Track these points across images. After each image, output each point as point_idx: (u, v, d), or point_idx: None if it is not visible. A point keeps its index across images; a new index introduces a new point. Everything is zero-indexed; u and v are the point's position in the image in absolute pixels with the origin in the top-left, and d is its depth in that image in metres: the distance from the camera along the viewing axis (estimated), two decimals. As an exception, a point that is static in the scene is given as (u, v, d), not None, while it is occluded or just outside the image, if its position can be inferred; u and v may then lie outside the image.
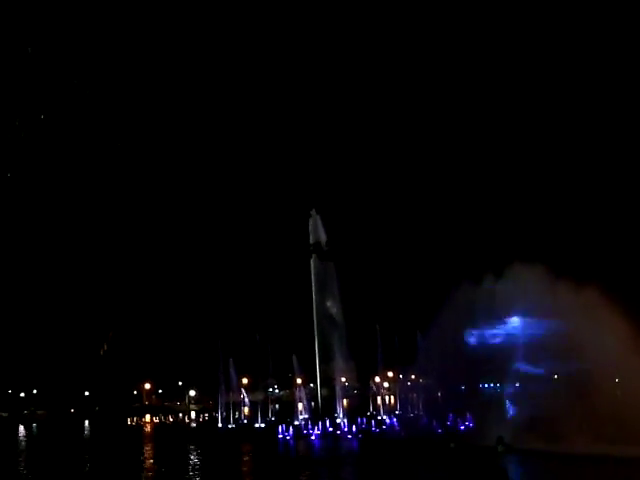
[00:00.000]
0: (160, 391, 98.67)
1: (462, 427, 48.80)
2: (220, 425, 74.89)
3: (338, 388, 68.47)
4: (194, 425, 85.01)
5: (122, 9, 9.15)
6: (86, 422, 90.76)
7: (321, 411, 55.74)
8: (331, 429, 53.85)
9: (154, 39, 9.61)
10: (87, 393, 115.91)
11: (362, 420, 54.84)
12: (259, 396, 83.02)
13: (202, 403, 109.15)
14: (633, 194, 59.61)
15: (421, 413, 59.69)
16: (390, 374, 78.96)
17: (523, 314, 43.51)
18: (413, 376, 66.28)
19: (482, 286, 42.97)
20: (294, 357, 73.71)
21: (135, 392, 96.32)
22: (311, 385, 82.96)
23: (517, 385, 48.68)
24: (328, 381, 70.52)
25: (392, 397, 62.51)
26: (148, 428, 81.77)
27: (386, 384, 77.62)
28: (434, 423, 49.58)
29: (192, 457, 40.89)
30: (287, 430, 51.30)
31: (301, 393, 79.00)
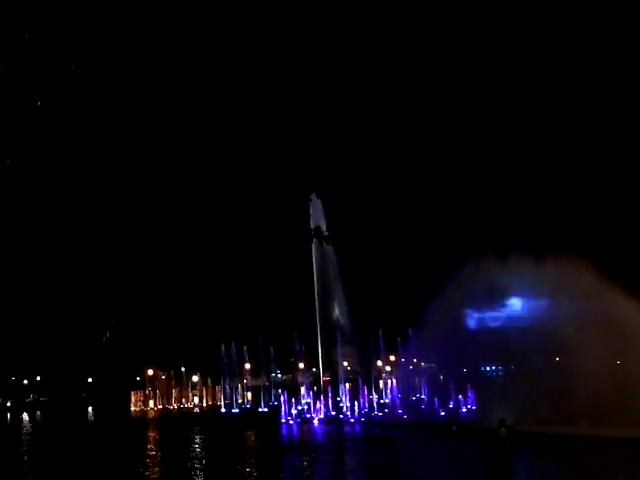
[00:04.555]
0: (163, 377, 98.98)
1: (464, 410, 48.93)
2: (223, 410, 75.33)
3: (340, 372, 68.82)
4: (197, 411, 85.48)
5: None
6: (90, 409, 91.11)
7: (323, 395, 55.82)
8: (334, 413, 54.09)
9: (153, 24, 9.46)
10: (90, 380, 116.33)
11: (364, 404, 55.00)
12: (262, 381, 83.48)
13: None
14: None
15: (423, 396, 59.83)
16: (392, 357, 79.19)
17: (523, 296, 43.47)
18: (415, 359, 66.35)
19: (482, 268, 42.93)
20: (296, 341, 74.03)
21: (138, 378, 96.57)
22: (313, 369, 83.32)
23: (519, 366, 48.73)
24: (330, 365, 70.91)
25: (394, 380, 62.54)
26: (152, 414, 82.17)
27: (388, 367, 77.85)
28: (436, 406, 49.63)
29: (195, 443, 41.06)
30: (290, 414, 51.46)
31: (304, 377, 79.44)
